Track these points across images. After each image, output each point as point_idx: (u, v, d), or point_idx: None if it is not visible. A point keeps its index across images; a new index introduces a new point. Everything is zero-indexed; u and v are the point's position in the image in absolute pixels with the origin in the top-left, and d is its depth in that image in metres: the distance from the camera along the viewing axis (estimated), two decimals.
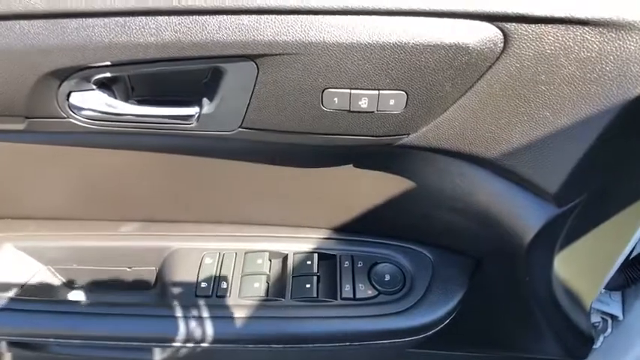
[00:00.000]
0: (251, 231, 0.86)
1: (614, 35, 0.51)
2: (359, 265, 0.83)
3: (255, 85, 0.58)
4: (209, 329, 0.77)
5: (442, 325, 0.81)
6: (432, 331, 0.80)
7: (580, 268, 0.84)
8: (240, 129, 0.64)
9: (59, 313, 0.78)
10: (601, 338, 1.03)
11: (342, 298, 0.80)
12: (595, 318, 1.05)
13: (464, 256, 0.84)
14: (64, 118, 0.63)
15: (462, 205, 0.74)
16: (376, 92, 0.57)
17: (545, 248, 0.73)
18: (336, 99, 0.58)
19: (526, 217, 0.69)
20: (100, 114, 0.63)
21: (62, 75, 0.58)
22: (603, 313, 1.05)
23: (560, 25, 0.52)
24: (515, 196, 0.69)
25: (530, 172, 0.64)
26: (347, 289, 0.81)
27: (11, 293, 0.83)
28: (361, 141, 0.65)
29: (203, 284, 0.80)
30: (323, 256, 0.85)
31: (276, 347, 0.78)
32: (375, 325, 0.77)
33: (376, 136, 0.64)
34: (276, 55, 0.54)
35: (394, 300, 0.80)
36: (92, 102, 0.62)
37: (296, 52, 0.54)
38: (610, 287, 0.99)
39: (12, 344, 0.82)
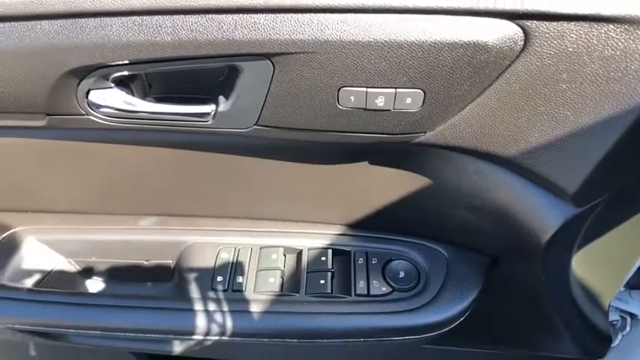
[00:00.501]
0: (266, 226, 0.87)
1: None
2: (373, 262, 0.83)
3: (271, 84, 0.58)
4: (225, 322, 0.77)
5: (456, 323, 0.80)
6: (446, 329, 0.79)
7: (598, 267, 0.83)
8: (255, 126, 0.64)
9: (79, 305, 0.80)
10: (619, 336, 1.02)
11: (356, 295, 0.80)
12: (614, 316, 1.04)
13: (479, 254, 0.83)
14: (83, 115, 0.64)
15: (479, 203, 0.73)
16: (393, 91, 0.57)
17: (562, 248, 0.72)
18: (352, 97, 0.58)
19: (544, 216, 0.68)
20: (118, 111, 0.63)
21: (81, 73, 0.59)
22: (622, 311, 1.04)
23: (583, 23, 0.50)
24: (533, 195, 0.68)
25: (550, 172, 0.63)
26: (361, 285, 0.81)
27: (33, 284, 0.85)
28: (377, 139, 0.64)
29: (219, 278, 0.81)
30: (337, 252, 0.85)
31: (291, 342, 0.78)
32: (389, 321, 0.77)
33: (392, 134, 0.63)
34: (292, 53, 0.54)
35: (408, 297, 0.80)
36: (110, 99, 0.63)
37: (312, 50, 0.54)
38: (629, 285, 0.98)
39: (34, 334, 0.83)
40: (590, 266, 0.80)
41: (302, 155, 0.75)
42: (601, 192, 0.64)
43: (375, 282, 0.81)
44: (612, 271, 0.86)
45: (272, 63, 0.56)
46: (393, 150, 0.71)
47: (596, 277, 0.83)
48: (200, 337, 0.79)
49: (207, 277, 0.82)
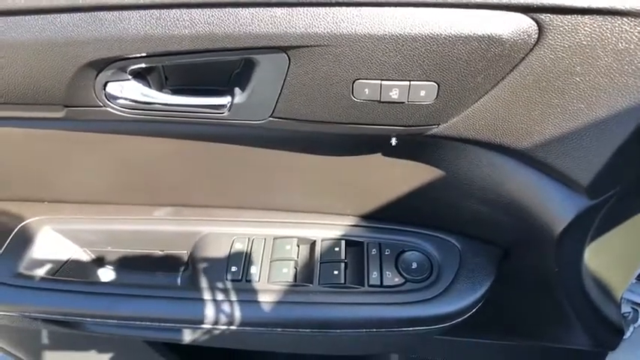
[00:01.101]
0: (280, 217, 0.88)
1: None
2: (386, 253, 0.84)
3: (286, 76, 0.58)
4: (238, 312, 0.79)
5: (469, 314, 0.81)
6: (459, 320, 0.80)
7: (611, 260, 0.83)
8: (270, 118, 0.65)
9: (94, 294, 0.81)
10: (631, 328, 1.02)
11: (370, 285, 0.81)
12: (625, 308, 1.04)
13: (492, 246, 0.83)
14: (101, 106, 0.65)
15: (492, 195, 0.74)
16: (407, 83, 0.57)
17: (575, 240, 0.72)
18: (366, 90, 0.58)
19: (557, 208, 0.68)
20: (135, 103, 0.64)
21: (99, 66, 0.60)
22: (634, 303, 1.04)
23: (597, 16, 0.50)
24: (546, 188, 0.68)
25: (563, 164, 0.63)
26: (374, 276, 0.81)
27: (49, 273, 0.86)
28: (391, 131, 0.65)
29: (233, 268, 0.82)
30: (350, 243, 0.86)
31: (304, 332, 0.80)
32: (402, 312, 0.78)
33: (406, 126, 0.64)
34: (307, 46, 0.55)
35: (421, 288, 0.80)
36: (128, 91, 0.64)
37: (327, 43, 0.54)
38: None
39: (50, 322, 0.85)
40: (602, 258, 0.80)
41: (316, 147, 0.76)
42: (614, 184, 0.65)
43: (388, 273, 0.82)
44: (624, 263, 0.86)
45: (288, 56, 0.56)
46: (407, 142, 0.72)
47: (609, 268, 0.83)
48: (213, 327, 0.81)
49: (221, 267, 0.83)
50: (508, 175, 0.70)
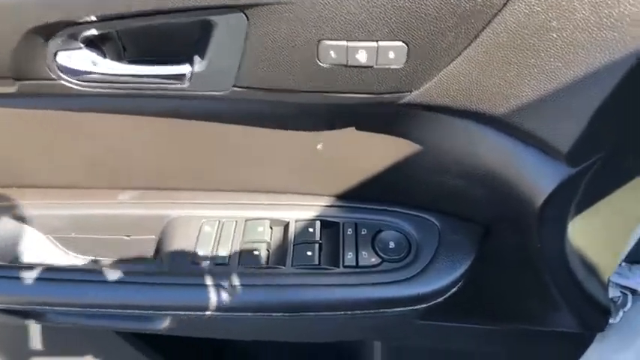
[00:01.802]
0: (251, 198, 0.84)
1: None
2: (362, 233, 0.81)
3: (246, 39, 0.55)
4: (208, 297, 0.75)
5: (449, 294, 0.78)
6: (438, 300, 0.77)
7: (597, 237, 0.81)
8: (234, 88, 0.61)
9: (57, 281, 0.77)
10: (620, 313, 1.00)
11: (345, 266, 0.77)
12: (614, 292, 1.01)
13: (472, 223, 0.81)
14: (55, 80, 0.61)
15: (469, 168, 0.71)
16: (374, 44, 0.54)
17: (558, 212, 0.69)
18: (332, 52, 0.55)
19: (537, 178, 0.65)
20: (91, 75, 0.61)
21: (47, 32, 0.56)
22: (623, 287, 1.02)
23: None
24: (526, 157, 0.65)
25: (541, 129, 0.60)
26: (349, 256, 0.78)
27: (10, 261, 0.82)
28: (361, 99, 0.62)
29: (202, 252, 0.79)
30: (325, 224, 0.82)
31: (277, 316, 0.76)
32: (378, 293, 0.75)
33: (377, 94, 0.60)
34: (266, 4, 0.51)
35: (398, 268, 0.77)
36: (82, 63, 0.60)
37: (287, 1, 0.51)
38: (630, 260, 0.95)
39: (11, 312, 0.81)
40: (588, 236, 0.77)
41: (285, 122, 0.72)
42: (596, 149, 0.62)
43: (364, 253, 0.79)
44: (611, 242, 0.83)
45: (246, 16, 0.53)
46: (380, 113, 0.69)
47: (595, 246, 0.80)
48: (183, 313, 0.77)
49: (189, 252, 0.79)
50: (485, 145, 0.67)
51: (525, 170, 0.66)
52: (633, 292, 0.98)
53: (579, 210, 0.72)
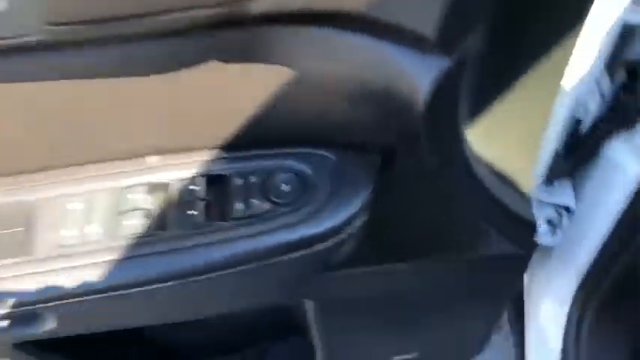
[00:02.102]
0: (124, 166, 0.74)
1: None
2: (252, 180, 0.73)
3: None
4: (81, 280, 0.65)
5: (352, 232, 0.71)
6: (341, 238, 0.70)
7: (503, 143, 0.75)
8: (49, 27, 0.52)
9: None
10: (558, 234, 0.95)
11: (232, 219, 0.69)
12: (549, 212, 0.97)
13: (367, 153, 0.74)
14: None
15: (347, 85, 0.64)
16: None
17: (445, 115, 0.63)
18: None
19: (414, 77, 0.59)
20: None
21: None
22: (556, 205, 0.97)
23: None
24: (398, 58, 0.59)
25: (403, 17, 0.54)
26: (238, 207, 0.70)
27: None
28: (197, 16, 0.54)
29: (69, 233, 0.69)
30: (211, 179, 0.74)
31: (164, 286, 0.67)
32: (274, 239, 0.67)
33: (210, 7, 0.52)
34: None
35: (293, 210, 0.70)
36: None
37: None
38: (556, 175, 0.91)
39: None
40: (491, 143, 0.71)
41: (133, 68, 0.63)
42: (466, 30, 0.55)
43: (254, 201, 0.71)
44: (520, 146, 0.78)
45: None
46: (237, 40, 0.61)
47: (503, 154, 0.74)
48: (58, 302, 0.67)
49: (55, 233, 0.69)
50: (354, 55, 0.60)
51: (402, 73, 0.60)
52: (567, 209, 0.93)
53: (474, 112, 0.66)
